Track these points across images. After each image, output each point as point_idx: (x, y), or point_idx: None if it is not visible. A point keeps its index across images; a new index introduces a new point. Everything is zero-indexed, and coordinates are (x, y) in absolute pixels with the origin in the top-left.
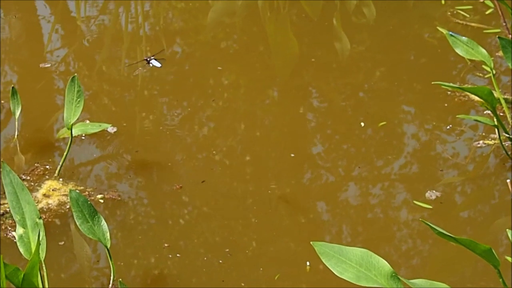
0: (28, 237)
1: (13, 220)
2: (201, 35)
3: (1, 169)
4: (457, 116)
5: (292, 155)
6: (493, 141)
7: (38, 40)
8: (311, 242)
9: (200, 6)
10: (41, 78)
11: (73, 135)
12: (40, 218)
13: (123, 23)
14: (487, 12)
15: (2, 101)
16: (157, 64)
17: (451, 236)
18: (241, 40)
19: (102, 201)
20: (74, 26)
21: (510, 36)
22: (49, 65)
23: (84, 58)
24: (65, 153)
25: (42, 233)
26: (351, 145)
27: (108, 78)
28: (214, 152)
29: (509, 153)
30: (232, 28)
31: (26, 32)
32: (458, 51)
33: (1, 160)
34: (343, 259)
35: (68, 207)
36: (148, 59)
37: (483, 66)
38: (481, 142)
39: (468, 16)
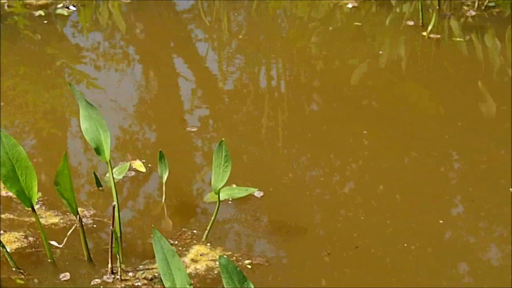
0: None
1: (162, 285)
2: (341, 94)
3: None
4: None
5: (441, 221)
6: None
7: (179, 101)
8: None
9: (341, 66)
10: (186, 141)
11: (220, 200)
12: (190, 284)
13: (263, 81)
14: None
15: (149, 165)
16: (73, 8)
17: None
18: (383, 101)
19: (249, 266)
20: (214, 84)
21: None
22: (195, 129)
23: (226, 118)
24: (212, 218)
25: None
26: (496, 210)
27: (250, 139)
28: (361, 217)
29: None
30: (375, 89)
31: (168, 91)
32: None
33: (152, 226)
34: None
35: (216, 272)
36: (67, 6)
37: None
38: None
39: None
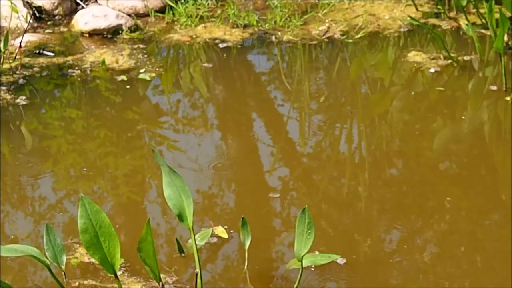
0: None
1: None
2: (423, 159)
3: None
4: None
5: None
6: None
7: (260, 165)
8: None
9: (423, 131)
10: (268, 206)
11: (303, 267)
12: None
13: (344, 145)
14: None
15: (232, 231)
16: (50, 53)
17: None
18: (465, 167)
19: None
20: (294, 148)
21: None
22: (277, 195)
23: (308, 183)
24: (295, 285)
25: None
26: None
27: (331, 204)
28: (445, 284)
29: None
30: (458, 155)
31: (249, 155)
32: None
33: None
34: None
35: None
36: (41, 51)
37: None
38: None
39: None
